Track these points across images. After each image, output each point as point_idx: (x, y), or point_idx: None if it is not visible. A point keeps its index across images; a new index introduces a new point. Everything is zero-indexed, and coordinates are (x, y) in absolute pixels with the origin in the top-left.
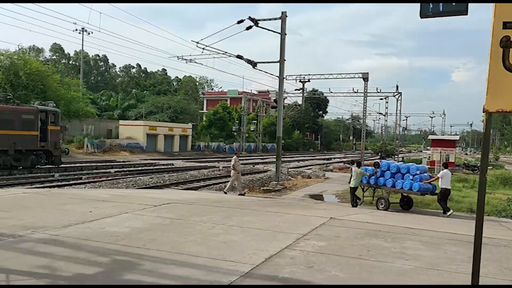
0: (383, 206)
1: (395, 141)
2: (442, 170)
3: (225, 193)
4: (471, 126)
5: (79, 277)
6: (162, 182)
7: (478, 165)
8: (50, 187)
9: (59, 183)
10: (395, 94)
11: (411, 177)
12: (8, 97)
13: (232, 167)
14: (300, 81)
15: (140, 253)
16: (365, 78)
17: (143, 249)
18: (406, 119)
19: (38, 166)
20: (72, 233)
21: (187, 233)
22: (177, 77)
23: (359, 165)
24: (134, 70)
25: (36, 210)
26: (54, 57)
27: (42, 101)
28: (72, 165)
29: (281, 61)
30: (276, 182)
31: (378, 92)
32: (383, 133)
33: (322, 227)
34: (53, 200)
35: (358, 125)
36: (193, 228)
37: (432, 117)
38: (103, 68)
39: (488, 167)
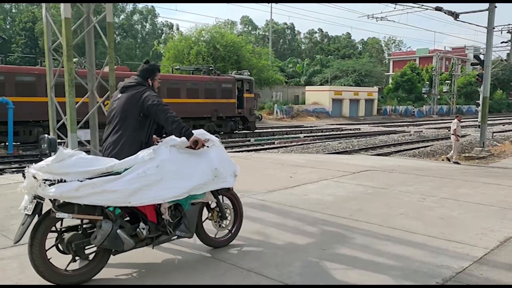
0: None
1: None
2: None
3: (457, 162)
4: None
5: (292, 246)
6: (351, 147)
7: None
8: (248, 151)
9: (255, 147)
10: None
11: None
12: (210, 68)
13: (453, 132)
14: (508, 32)
15: (348, 225)
16: None
17: (351, 220)
18: None
19: (236, 131)
20: (277, 199)
21: (395, 204)
22: (362, 39)
23: None
24: (317, 35)
25: (242, 174)
26: (245, 29)
27: (238, 71)
28: (265, 130)
29: (491, 8)
30: (480, 148)
31: None
32: None
33: None
34: (255, 164)
35: None
36: (401, 199)
37: None
38: (290, 36)
39: None
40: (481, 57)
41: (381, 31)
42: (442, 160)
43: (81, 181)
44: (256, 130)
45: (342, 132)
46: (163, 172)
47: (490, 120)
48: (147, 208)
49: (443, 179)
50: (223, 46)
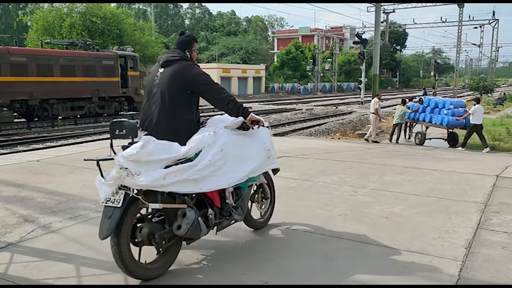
0: (419, 140)
1: (486, 75)
2: (474, 106)
3: (376, 142)
4: None
5: (217, 279)
6: None
7: None
8: None
9: None
10: (491, 21)
11: (445, 112)
12: (87, 43)
13: (373, 111)
14: (383, 12)
15: (285, 237)
16: (461, 3)
17: (285, 230)
18: (498, 50)
19: (121, 113)
20: None
21: (328, 201)
22: (247, 16)
23: (404, 102)
24: (198, 11)
25: None
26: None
27: (120, 46)
28: None
29: None
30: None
31: (471, 20)
32: (473, 66)
33: (499, 190)
34: None
35: (439, 59)
36: (330, 193)
37: None
38: (173, 11)
39: None
40: (362, 36)
41: (267, 6)
42: (339, 138)
43: (165, 168)
44: None
45: None
46: (226, 155)
47: (368, 96)
48: (214, 193)
49: (361, 164)
50: (101, 18)
